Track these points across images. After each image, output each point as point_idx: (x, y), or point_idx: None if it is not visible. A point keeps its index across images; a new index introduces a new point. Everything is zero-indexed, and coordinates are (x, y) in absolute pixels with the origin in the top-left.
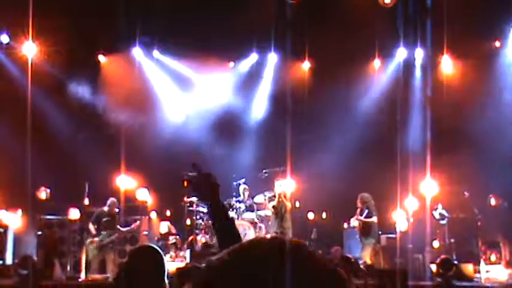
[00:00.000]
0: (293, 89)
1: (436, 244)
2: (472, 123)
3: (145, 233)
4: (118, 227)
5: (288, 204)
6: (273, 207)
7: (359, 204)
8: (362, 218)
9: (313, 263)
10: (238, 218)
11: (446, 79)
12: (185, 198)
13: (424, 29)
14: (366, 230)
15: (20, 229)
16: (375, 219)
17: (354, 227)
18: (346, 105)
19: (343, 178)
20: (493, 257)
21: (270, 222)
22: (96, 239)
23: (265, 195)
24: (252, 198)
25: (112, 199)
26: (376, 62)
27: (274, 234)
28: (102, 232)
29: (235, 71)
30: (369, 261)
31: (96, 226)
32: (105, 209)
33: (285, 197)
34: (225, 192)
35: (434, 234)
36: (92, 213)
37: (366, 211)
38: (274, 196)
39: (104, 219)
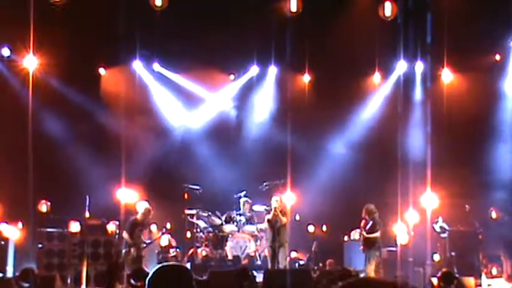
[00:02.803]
0: (293, 101)
1: (436, 257)
2: (472, 136)
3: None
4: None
5: (284, 219)
6: (268, 220)
7: (364, 215)
8: (365, 232)
9: None
10: (238, 231)
11: (446, 92)
12: (185, 211)
13: (425, 43)
14: (369, 243)
15: (21, 242)
16: (377, 234)
17: (354, 240)
18: (346, 118)
19: (343, 191)
20: (494, 271)
21: (266, 236)
22: (132, 249)
23: (266, 208)
24: (252, 209)
25: (146, 206)
26: (376, 75)
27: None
28: (137, 242)
29: (236, 84)
30: (372, 275)
31: (130, 235)
32: (138, 216)
33: (281, 212)
34: (226, 205)
35: (435, 247)
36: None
37: (371, 223)
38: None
39: (138, 228)
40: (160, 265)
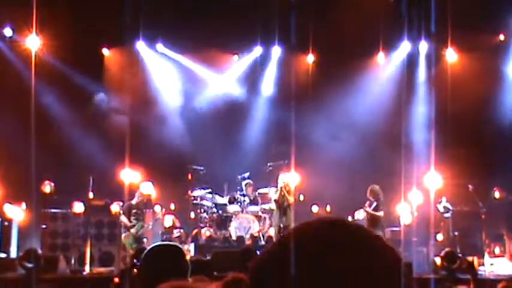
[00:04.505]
0: (297, 82)
1: (440, 237)
2: (476, 116)
3: (150, 226)
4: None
5: (290, 199)
6: (275, 200)
7: (369, 196)
8: (370, 210)
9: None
10: (242, 211)
11: (450, 72)
12: (189, 192)
13: (429, 22)
14: (373, 222)
15: (25, 222)
16: (381, 213)
17: (358, 220)
18: (350, 98)
19: (347, 171)
20: (497, 250)
21: (272, 216)
22: (132, 230)
23: (269, 189)
24: (257, 190)
25: (141, 191)
26: (380, 55)
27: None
28: (135, 224)
29: (240, 64)
30: None
31: (128, 218)
32: (133, 202)
33: (288, 191)
34: (229, 185)
35: (438, 227)
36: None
37: (375, 203)
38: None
39: (133, 211)
40: (153, 245)
